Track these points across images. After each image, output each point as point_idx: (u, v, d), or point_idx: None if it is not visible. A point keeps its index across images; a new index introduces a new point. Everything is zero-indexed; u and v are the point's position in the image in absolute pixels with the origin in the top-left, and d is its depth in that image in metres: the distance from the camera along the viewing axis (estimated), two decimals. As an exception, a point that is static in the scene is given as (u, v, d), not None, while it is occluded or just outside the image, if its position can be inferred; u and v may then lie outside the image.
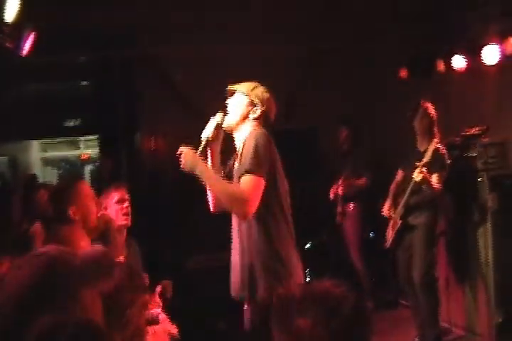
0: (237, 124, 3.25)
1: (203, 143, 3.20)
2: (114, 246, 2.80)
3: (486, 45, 4.90)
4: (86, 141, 9.70)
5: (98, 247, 2.14)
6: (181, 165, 3.05)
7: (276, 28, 6.15)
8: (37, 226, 4.06)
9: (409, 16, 5.80)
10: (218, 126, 3.23)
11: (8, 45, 4.35)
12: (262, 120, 3.25)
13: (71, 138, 9.52)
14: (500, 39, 4.74)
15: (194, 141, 3.17)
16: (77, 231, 2.74)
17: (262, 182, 2.97)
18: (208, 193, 3.38)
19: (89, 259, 1.63)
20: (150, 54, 6.38)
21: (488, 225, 4.80)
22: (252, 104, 3.24)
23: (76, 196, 2.90)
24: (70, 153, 10.14)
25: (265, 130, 3.18)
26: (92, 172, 10.06)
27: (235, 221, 3.24)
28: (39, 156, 9.92)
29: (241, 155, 3.09)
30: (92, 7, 5.48)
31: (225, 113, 3.25)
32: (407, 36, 5.92)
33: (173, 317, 3.70)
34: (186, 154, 3.08)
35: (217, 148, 3.33)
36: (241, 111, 3.24)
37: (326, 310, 1.48)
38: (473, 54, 5.09)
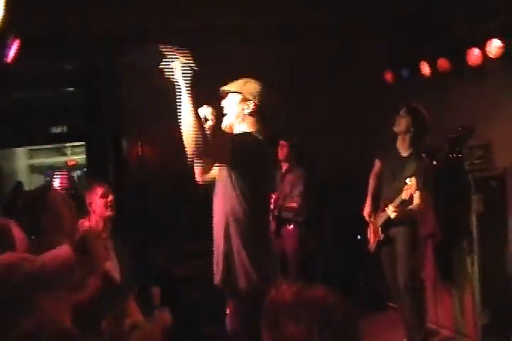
0: (235, 124, 3.21)
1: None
2: (94, 255, 2.75)
3: (470, 47, 4.93)
4: (73, 147, 9.66)
5: (64, 248, 2.09)
6: None
7: (264, 29, 6.13)
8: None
9: (394, 19, 5.82)
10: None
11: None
12: (259, 115, 3.21)
13: (58, 145, 9.47)
14: (485, 41, 4.77)
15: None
16: (54, 238, 2.65)
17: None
18: (196, 165, 3.35)
19: (49, 265, 1.65)
20: (136, 61, 6.35)
21: (474, 227, 4.82)
22: (245, 100, 3.20)
23: (46, 205, 2.80)
24: (56, 159, 10.07)
25: (264, 127, 3.21)
26: (79, 178, 10.01)
27: (218, 204, 3.20)
28: (25, 163, 9.85)
29: None
30: (78, 15, 5.44)
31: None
32: (393, 38, 5.94)
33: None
34: None
35: None
36: (236, 110, 3.21)
37: (320, 317, 1.45)
38: (458, 56, 5.12)
